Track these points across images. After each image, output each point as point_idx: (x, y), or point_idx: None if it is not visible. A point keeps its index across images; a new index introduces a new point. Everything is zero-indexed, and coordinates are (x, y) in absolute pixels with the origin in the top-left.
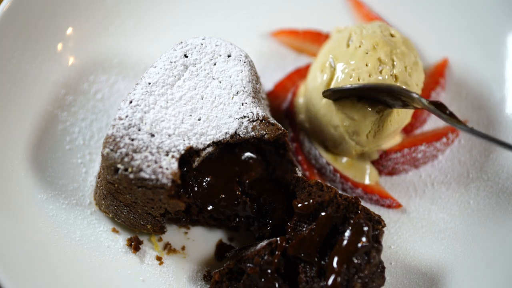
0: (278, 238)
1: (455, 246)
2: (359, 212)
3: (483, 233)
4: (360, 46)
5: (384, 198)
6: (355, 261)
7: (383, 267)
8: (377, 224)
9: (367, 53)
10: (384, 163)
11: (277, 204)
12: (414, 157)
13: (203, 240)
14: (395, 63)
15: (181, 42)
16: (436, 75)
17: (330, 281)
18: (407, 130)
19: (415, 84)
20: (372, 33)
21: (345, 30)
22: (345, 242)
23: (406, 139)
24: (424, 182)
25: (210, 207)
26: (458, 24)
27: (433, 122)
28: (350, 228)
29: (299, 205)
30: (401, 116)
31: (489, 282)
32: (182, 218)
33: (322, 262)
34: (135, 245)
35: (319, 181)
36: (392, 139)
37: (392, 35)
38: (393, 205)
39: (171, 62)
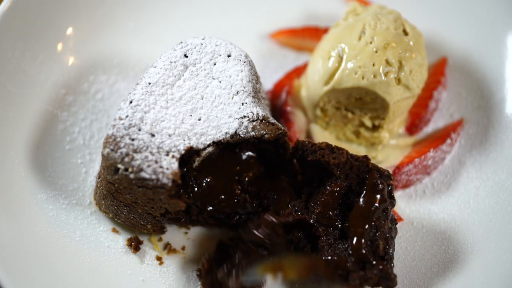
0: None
1: (455, 246)
2: (371, 170)
3: (483, 233)
4: (371, 43)
5: None
6: (375, 220)
7: (395, 219)
8: (388, 179)
9: (376, 52)
10: (398, 178)
11: (278, 196)
12: (425, 165)
13: (203, 240)
14: (401, 66)
15: (181, 42)
16: (437, 74)
17: (354, 241)
18: (412, 130)
19: (416, 87)
20: (385, 30)
21: (359, 18)
22: (363, 203)
23: (414, 148)
24: (424, 182)
25: (210, 208)
26: (458, 24)
27: (433, 123)
28: (366, 188)
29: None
30: (400, 106)
31: (489, 282)
32: (182, 218)
33: (345, 224)
34: (135, 245)
35: (329, 143)
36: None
37: (405, 32)
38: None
39: (171, 62)
